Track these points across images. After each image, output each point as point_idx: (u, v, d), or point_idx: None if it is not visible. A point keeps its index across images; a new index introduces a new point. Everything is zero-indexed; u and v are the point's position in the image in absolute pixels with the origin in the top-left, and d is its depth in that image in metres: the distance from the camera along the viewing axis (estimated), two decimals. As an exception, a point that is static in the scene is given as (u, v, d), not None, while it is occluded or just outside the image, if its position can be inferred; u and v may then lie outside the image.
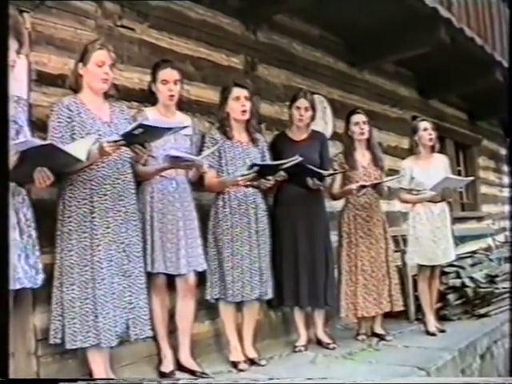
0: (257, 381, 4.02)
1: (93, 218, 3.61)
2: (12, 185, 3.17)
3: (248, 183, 4.44)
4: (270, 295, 4.65)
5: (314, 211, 5.07)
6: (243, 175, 4.30)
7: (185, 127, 3.97)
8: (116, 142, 3.47)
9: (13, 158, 2.99)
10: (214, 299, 4.53)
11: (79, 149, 3.28)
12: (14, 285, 3.11)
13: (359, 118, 5.44)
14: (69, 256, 3.58)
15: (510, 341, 4.56)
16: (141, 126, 3.48)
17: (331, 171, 5.16)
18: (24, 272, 3.19)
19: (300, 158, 4.49)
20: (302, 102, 5.08)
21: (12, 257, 3.11)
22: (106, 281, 3.59)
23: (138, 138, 3.53)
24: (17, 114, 3.30)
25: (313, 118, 5.18)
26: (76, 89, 3.77)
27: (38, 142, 3.15)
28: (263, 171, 4.42)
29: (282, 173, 4.58)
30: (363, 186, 5.18)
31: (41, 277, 3.33)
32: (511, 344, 4.55)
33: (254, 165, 4.34)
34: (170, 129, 3.73)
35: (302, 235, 4.98)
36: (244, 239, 4.50)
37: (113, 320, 3.59)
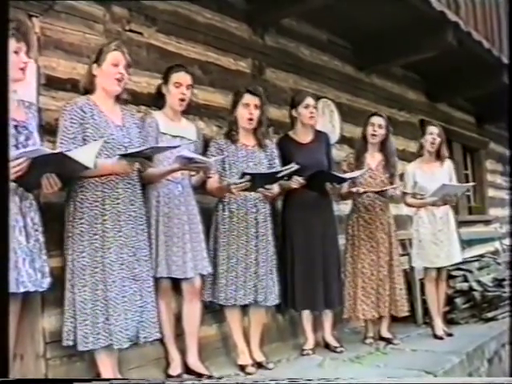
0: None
1: (104, 220, 3.61)
2: (19, 190, 3.19)
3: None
4: (272, 301, 4.61)
5: (327, 215, 5.09)
6: (235, 184, 4.26)
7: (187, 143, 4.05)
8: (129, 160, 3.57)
9: (23, 165, 3.00)
10: (216, 303, 4.51)
11: (87, 155, 3.29)
12: (17, 288, 3.12)
13: (376, 120, 5.45)
14: (81, 258, 3.58)
15: (510, 342, 4.57)
16: (153, 148, 3.60)
17: (352, 174, 5.16)
18: (28, 276, 3.18)
19: (296, 166, 4.46)
20: (310, 100, 5.07)
21: (17, 260, 3.13)
22: (117, 283, 3.59)
23: (146, 154, 3.60)
24: (28, 119, 3.33)
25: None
26: (89, 90, 3.77)
27: (49, 150, 3.16)
28: (260, 180, 4.37)
29: (299, 179, 4.61)
30: (364, 193, 5.25)
31: (47, 280, 3.32)
32: (511, 345, 4.56)
33: (244, 174, 4.27)
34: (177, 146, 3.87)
35: (317, 239, 4.97)
36: (240, 243, 4.47)
37: (124, 322, 3.60)
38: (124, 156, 3.56)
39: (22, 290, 3.15)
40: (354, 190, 5.23)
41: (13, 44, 3.18)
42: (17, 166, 2.98)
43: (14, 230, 3.15)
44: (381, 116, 5.51)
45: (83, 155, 3.27)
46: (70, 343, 3.60)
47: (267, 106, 4.81)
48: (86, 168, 3.26)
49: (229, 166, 4.52)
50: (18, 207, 3.20)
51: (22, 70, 3.25)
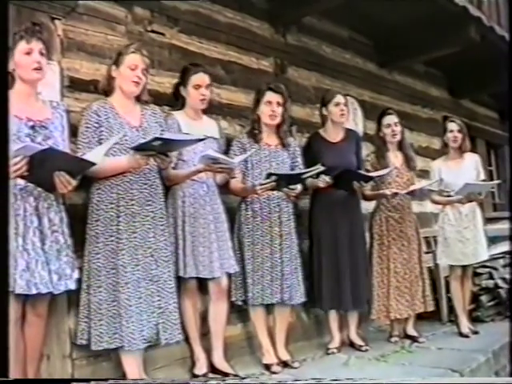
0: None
1: (119, 222, 3.62)
2: (37, 190, 3.20)
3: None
4: (297, 300, 4.61)
5: (354, 213, 5.06)
6: (261, 184, 4.28)
7: (202, 139, 3.87)
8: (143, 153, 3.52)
9: (22, 163, 2.99)
10: (240, 301, 4.53)
11: (93, 152, 3.32)
12: (29, 290, 3.12)
13: (391, 119, 5.41)
14: (96, 259, 3.60)
15: (510, 342, 4.54)
16: (157, 139, 3.49)
17: (379, 173, 5.12)
18: (40, 278, 3.16)
19: (322, 168, 4.49)
20: (341, 98, 5.04)
21: (30, 261, 3.13)
22: (130, 285, 3.59)
23: (160, 148, 3.53)
24: (51, 119, 3.34)
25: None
26: (108, 91, 3.80)
27: (38, 146, 3.10)
28: (285, 180, 4.38)
29: (326, 179, 4.60)
30: (396, 194, 5.20)
31: (66, 283, 3.30)
32: (511, 345, 4.53)
33: (270, 174, 4.30)
34: (190, 141, 3.84)
35: (344, 237, 4.95)
36: (265, 242, 4.48)
37: (138, 324, 3.59)
38: (137, 150, 3.52)
39: (34, 291, 3.14)
40: (388, 192, 5.19)
41: (23, 45, 3.22)
42: (15, 164, 2.97)
43: (28, 231, 3.16)
44: (392, 114, 5.47)
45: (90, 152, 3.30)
46: (84, 342, 3.63)
47: (290, 104, 4.79)
48: (93, 164, 3.23)
49: (251, 166, 4.53)
50: (34, 208, 3.20)
51: (37, 70, 3.26)
